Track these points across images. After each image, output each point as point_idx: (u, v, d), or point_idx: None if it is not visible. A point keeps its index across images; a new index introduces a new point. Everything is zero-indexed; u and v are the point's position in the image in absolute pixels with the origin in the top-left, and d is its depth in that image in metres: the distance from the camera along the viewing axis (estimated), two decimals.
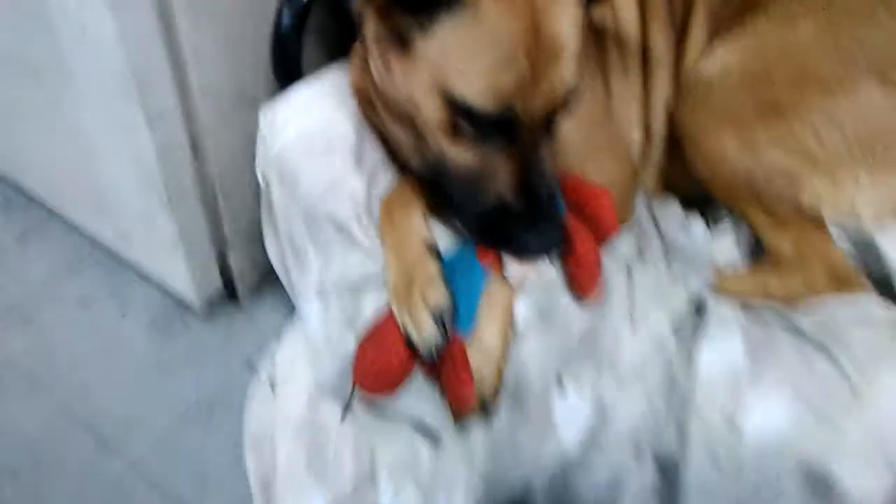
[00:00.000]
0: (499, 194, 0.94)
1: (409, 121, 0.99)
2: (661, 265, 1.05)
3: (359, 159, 1.16)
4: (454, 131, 0.93)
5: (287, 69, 1.40)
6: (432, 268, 0.97)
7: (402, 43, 0.93)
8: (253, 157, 1.26)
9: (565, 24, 0.90)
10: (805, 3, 1.07)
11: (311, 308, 1.07)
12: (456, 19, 0.87)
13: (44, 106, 1.58)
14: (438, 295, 0.94)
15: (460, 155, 0.95)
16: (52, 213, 1.96)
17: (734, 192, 1.08)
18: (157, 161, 1.40)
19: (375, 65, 1.01)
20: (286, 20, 1.37)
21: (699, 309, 1.01)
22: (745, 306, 1.03)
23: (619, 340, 0.95)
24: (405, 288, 0.97)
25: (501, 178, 0.94)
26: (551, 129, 0.96)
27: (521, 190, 0.93)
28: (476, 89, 0.88)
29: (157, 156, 1.40)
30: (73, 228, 1.91)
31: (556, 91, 0.91)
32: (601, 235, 1.03)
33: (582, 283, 0.99)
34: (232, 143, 1.50)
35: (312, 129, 1.19)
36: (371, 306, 1.03)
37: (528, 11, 0.87)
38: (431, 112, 0.93)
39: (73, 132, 1.55)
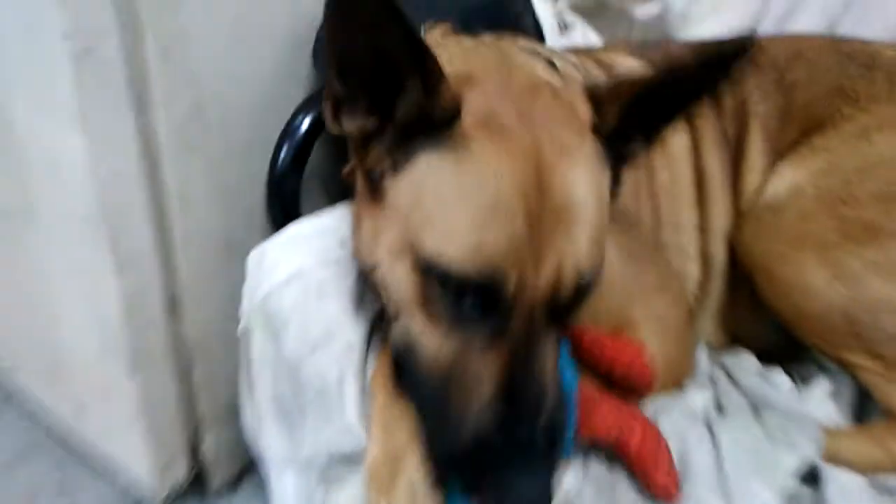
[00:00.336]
0: (477, 407, 0.69)
1: (379, 294, 0.81)
2: (753, 425, 0.80)
3: (359, 304, 0.96)
4: (427, 307, 0.73)
5: (284, 213, 1.24)
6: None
7: (374, 192, 0.77)
8: (239, 320, 1.05)
9: (579, 189, 0.71)
10: (879, 117, 0.96)
11: (284, 487, 0.82)
12: (437, 154, 0.71)
13: (2, 249, 1.41)
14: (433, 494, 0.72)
15: (433, 341, 0.73)
16: (8, 397, 1.72)
17: (829, 334, 0.89)
18: (123, 315, 1.20)
19: (350, 223, 0.85)
20: (284, 157, 1.24)
21: (811, 478, 0.76)
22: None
23: None
24: (389, 476, 0.74)
25: (482, 383, 0.70)
26: (559, 327, 0.74)
27: (504, 398, 0.69)
28: (454, 244, 0.68)
29: (123, 309, 1.20)
30: (26, 413, 1.68)
31: (564, 270, 0.69)
32: (636, 396, 0.84)
33: (654, 479, 0.75)
34: (215, 300, 1.30)
35: (305, 269, 1.00)
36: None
37: (533, 161, 0.69)
38: (399, 278, 0.74)
39: (33, 281, 1.37)
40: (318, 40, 1.26)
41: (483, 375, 0.69)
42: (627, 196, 0.94)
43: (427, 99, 0.69)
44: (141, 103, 1.08)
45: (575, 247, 0.70)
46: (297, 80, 1.29)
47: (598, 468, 0.77)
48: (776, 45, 1.09)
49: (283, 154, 1.24)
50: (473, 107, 0.71)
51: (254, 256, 1.06)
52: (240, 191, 1.27)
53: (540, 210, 0.68)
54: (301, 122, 1.24)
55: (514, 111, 0.71)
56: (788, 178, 0.98)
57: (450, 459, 0.72)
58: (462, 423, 0.69)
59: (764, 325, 0.97)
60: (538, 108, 0.73)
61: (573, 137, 0.73)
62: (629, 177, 0.93)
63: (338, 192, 1.23)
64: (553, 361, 0.72)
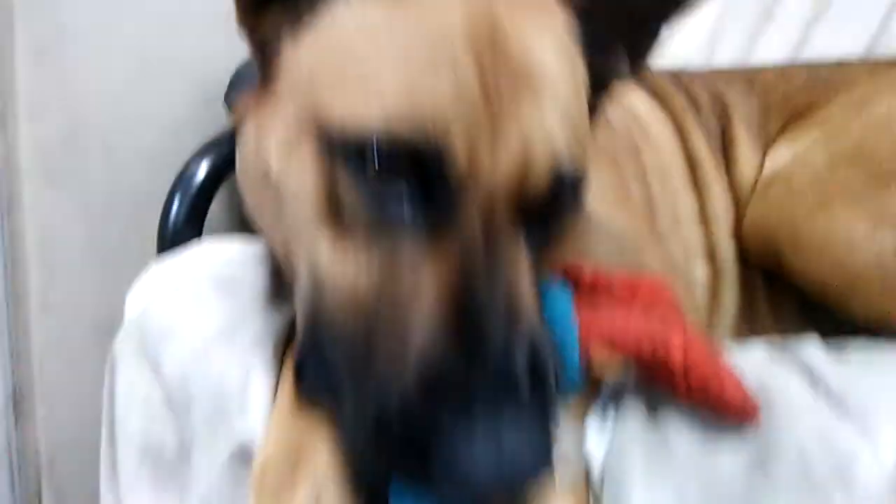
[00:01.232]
0: (417, 344, 0.45)
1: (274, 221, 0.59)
2: None
3: (276, 298, 0.70)
4: (336, 219, 0.50)
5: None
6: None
7: (265, 77, 0.58)
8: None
9: (547, 55, 0.54)
10: (868, 91, 0.91)
11: None
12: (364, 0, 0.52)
13: None
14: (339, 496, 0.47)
15: (346, 265, 0.49)
16: None
17: (883, 291, 0.70)
18: None
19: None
20: (178, 209, 1.01)
21: None
22: None
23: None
24: (284, 479, 0.49)
25: (421, 307, 0.46)
26: (536, 236, 0.52)
27: (455, 324, 0.45)
28: (375, 100, 0.48)
29: None
30: None
31: (532, 148, 0.50)
32: None
33: (720, 393, 0.49)
34: (75, 396, 0.98)
35: (203, 272, 0.75)
36: None
37: (486, 13, 0.52)
38: (296, 177, 0.52)
39: None
40: (232, 83, 1.12)
41: (423, 296, 0.46)
42: (612, 183, 0.80)
43: None
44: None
45: (545, 122, 0.50)
46: (198, 125, 1.11)
47: (635, 418, 0.50)
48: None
49: (175, 206, 1.02)
50: None
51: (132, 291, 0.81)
52: (120, 247, 1.01)
53: (495, 68, 0.49)
54: (197, 169, 1.04)
55: None
56: (788, 154, 0.88)
57: (379, 434, 0.45)
58: (395, 375, 0.44)
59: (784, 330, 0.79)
60: None
61: (537, 5, 0.57)
62: (610, 161, 0.80)
63: None
64: (528, 277, 0.50)
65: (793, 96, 0.96)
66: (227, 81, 1.09)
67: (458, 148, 0.47)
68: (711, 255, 0.89)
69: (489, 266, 0.46)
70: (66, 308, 0.97)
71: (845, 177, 0.78)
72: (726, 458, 0.47)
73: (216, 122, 1.12)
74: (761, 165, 0.92)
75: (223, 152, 1.05)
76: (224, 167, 1.06)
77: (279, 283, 0.73)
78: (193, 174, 1.03)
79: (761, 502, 0.45)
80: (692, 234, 0.88)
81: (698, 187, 0.92)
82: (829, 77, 0.96)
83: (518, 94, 0.50)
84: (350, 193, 0.48)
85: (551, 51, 0.54)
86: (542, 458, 0.42)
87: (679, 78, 1.01)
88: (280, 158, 0.54)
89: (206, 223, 1.03)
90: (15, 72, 0.87)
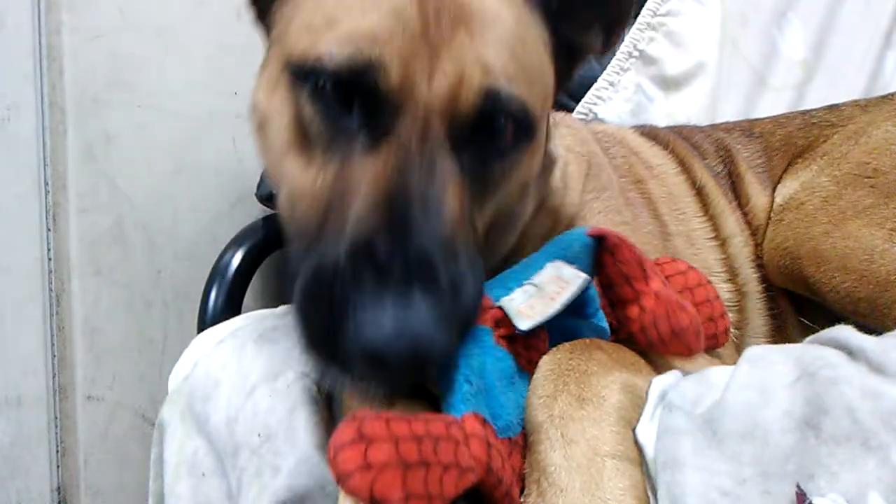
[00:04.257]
0: (348, 223, 0.53)
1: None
2: None
3: None
4: (304, 143, 0.60)
5: None
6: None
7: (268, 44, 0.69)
8: None
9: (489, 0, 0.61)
10: (863, 122, 0.95)
11: None
12: None
13: None
14: None
15: (310, 174, 0.59)
16: None
17: None
18: None
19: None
20: (215, 300, 1.04)
21: None
22: None
23: None
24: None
25: (358, 194, 0.55)
26: (469, 159, 0.59)
27: (376, 210, 0.53)
28: (326, 35, 0.57)
29: None
30: None
31: (467, 73, 0.56)
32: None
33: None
34: (123, 487, 0.98)
35: (243, 325, 0.78)
36: None
37: None
38: (275, 113, 0.62)
39: None
40: (262, 178, 1.18)
41: (361, 191, 0.54)
42: (619, 203, 0.82)
43: None
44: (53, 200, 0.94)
45: (482, 49, 0.58)
46: (233, 217, 1.17)
47: (682, 400, 0.50)
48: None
49: (213, 295, 1.06)
50: None
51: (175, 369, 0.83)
52: (162, 337, 1.05)
53: (437, 6, 0.57)
54: (232, 258, 1.09)
55: None
56: (796, 184, 0.91)
57: (312, 291, 0.52)
58: (331, 248, 0.53)
59: None
60: None
61: None
62: (610, 190, 0.82)
63: None
64: (457, 189, 0.56)
65: (792, 137, 0.99)
66: (257, 178, 1.16)
67: (393, 66, 0.55)
68: (732, 276, 0.90)
69: (419, 169, 0.54)
70: (110, 398, 0.98)
71: (854, 195, 0.80)
72: (775, 423, 0.47)
73: (248, 215, 1.18)
74: (771, 200, 0.94)
75: (256, 241, 1.10)
76: (257, 255, 1.11)
77: None
78: (229, 262, 1.07)
79: (818, 461, 0.44)
80: (709, 254, 0.90)
81: (708, 213, 0.93)
82: (824, 118, 1.00)
83: (456, 27, 0.57)
84: (310, 115, 0.58)
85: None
86: (441, 341, 0.47)
87: (678, 130, 1.05)
88: (264, 95, 0.63)
89: (243, 311, 1.06)
90: (67, 171, 0.94)
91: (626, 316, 0.55)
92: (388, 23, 0.56)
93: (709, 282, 0.62)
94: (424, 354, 0.46)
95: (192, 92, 1.10)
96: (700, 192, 0.94)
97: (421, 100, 0.55)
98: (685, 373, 0.56)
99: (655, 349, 0.56)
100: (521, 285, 0.54)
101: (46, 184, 0.93)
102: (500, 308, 0.53)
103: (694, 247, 0.89)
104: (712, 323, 0.61)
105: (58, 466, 0.95)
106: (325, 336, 0.49)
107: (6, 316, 0.92)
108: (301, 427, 0.61)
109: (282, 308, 0.81)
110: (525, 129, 0.61)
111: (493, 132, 0.59)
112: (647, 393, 0.53)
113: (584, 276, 0.53)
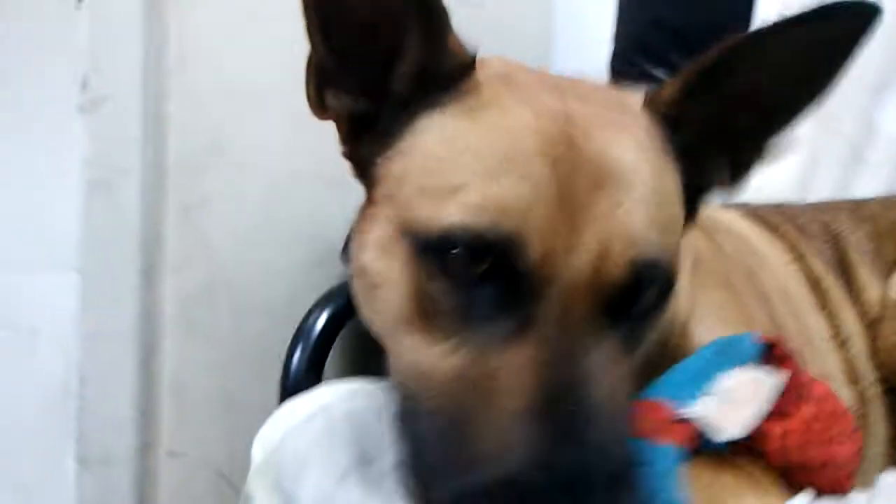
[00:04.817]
0: (499, 428, 0.48)
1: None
2: None
3: None
4: (428, 320, 0.54)
5: None
6: None
7: (368, 187, 0.64)
8: None
9: (626, 154, 0.56)
10: None
11: None
12: (439, 110, 0.58)
13: None
14: None
15: (435, 356, 0.53)
16: None
17: None
18: None
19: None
20: (299, 360, 1.05)
21: None
22: None
23: None
24: None
25: (504, 392, 0.49)
26: (615, 333, 0.54)
27: (535, 410, 0.48)
28: (455, 202, 0.52)
29: None
30: None
31: (611, 243, 0.51)
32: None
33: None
34: None
35: (334, 401, 0.77)
36: None
37: (562, 120, 0.55)
38: (391, 279, 0.57)
39: None
40: (347, 238, 1.19)
41: (506, 383, 0.49)
42: (729, 300, 0.78)
43: (430, 50, 0.57)
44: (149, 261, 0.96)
45: (625, 216, 0.53)
46: (316, 279, 1.18)
47: None
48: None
49: (296, 357, 1.07)
50: (490, 66, 0.60)
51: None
52: (244, 396, 1.06)
53: (571, 167, 0.52)
54: (316, 321, 1.09)
55: (538, 80, 0.61)
56: None
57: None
58: (481, 454, 0.48)
59: None
60: (570, 84, 0.62)
61: (616, 111, 0.60)
62: (723, 282, 0.79)
63: None
64: (612, 375, 0.51)
65: None
66: (342, 237, 1.17)
67: (533, 241, 0.50)
68: (854, 380, 0.84)
69: (568, 358, 0.49)
70: (192, 455, 0.99)
71: None
72: None
73: (333, 275, 1.19)
74: (883, 291, 0.89)
75: (340, 304, 1.10)
76: (341, 318, 1.11)
77: None
78: (313, 325, 1.07)
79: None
80: (828, 357, 0.83)
81: (826, 309, 0.87)
82: None
83: (594, 191, 0.52)
84: (437, 290, 0.52)
85: (629, 149, 0.56)
86: None
87: (782, 209, 1.00)
88: (375, 258, 0.58)
89: (325, 373, 1.06)
90: (163, 229, 0.97)
91: (764, 431, 0.52)
92: (522, 189, 0.51)
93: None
94: None
95: (277, 152, 1.12)
96: (816, 285, 0.88)
97: (563, 279, 0.50)
98: (813, 497, 0.53)
99: (792, 476, 0.52)
100: (694, 396, 0.51)
101: (144, 244, 0.96)
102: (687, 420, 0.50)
103: (811, 347, 0.83)
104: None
105: None
106: None
107: (101, 373, 0.94)
108: None
109: (372, 386, 0.81)
110: (668, 288, 0.57)
111: (637, 299, 0.54)
112: None
113: (778, 377, 0.51)
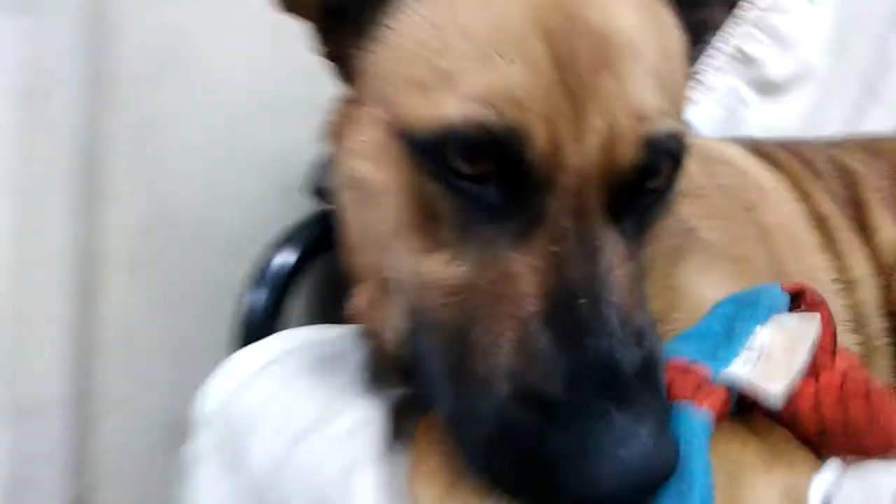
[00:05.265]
0: (516, 339, 0.44)
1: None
2: None
3: (373, 378, 0.63)
4: (425, 229, 0.51)
5: None
6: None
7: (350, 85, 0.59)
8: None
9: (626, 19, 0.51)
10: None
11: None
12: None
13: None
14: None
15: (438, 265, 0.50)
16: None
17: None
18: None
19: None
20: (255, 302, 0.96)
21: None
22: None
23: None
24: None
25: (516, 298, 0.46)
26: (627, 221, 0.50)
27: (553, 316, 0.44)
28: (450, 96, 0.47)
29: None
30: None
31: (619, 122, 0.47)
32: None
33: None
34: None
35: (289, 351, 0.69)
36: None
37: None
38: (383, 189, 0.52)
39: None
40: (311, 172, 1.09)
41: (518, 287, 0.46)
42: (725, 234, 0.71)
43: None
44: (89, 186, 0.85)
45: (633, 91, 0.48)
46: (280, 212, 1.07)
47: None
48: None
49: (253, 299, 0.97)
50: None
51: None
52: (194, 340, 0.95)
53: (570, 43, 0.48)
54: (277, 259, 0.99)
55: None
56: None
57: (492, 447, 0.43)
58: (497, 367, 0.44)
59: None
60: None
61: None
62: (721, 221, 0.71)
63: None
64: (623, 265, 0.47)
65: None
66: (305, 170, 1.07)
67: (538, 129, 0.46)
68: (860, 326, 0.78)
69: (584, 256, 0.45)
70: (136, 405, 0.90)
71: None
72: None
73: (296, 211, 1.08)
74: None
75: (304, 241, 1.01)
76: (304, 256, 1.02)
77: (379, 363, 0.66)
78: (273, 264, 0.98)
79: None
80: (832, 300, 0.75)
81: (833, 249, 0.81)
82: None
83: (597, 68, 0.48)
84: (437, 193, 0.48)
85: (632, 12, 0.51)
86: (665, 459, 0.40)
87: (788, 144, 0.92)
88: (365, 165, 0.53)
89: (285, 318, 0.97)
90: (106, 150, 0.86)
91: (795, 390, 0.44)
92: (521, 75, 0.46)
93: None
94: (657, 483, 0.39)
95: (242, 66, 1.01)
96: (822, 224, 0.81)
97: (572, 167, 0.46)
98: (844, 466, 0.45)
99: (828, 437, 0.44)
100: (735, 354, 0.45)
101: (83, 166, 0.85)
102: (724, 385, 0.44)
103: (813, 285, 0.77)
104: None
105: (77, 476, 0.88)
106: (540, 480, 0.41)
107: (33, 312, 0.84)
108: (359, 494, 0.50)
109: (336, 332, 0.71)
110: (680, 159, 0.52)
111: (650, 179, 0.50)
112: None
113: (815, 321, 0.45)
